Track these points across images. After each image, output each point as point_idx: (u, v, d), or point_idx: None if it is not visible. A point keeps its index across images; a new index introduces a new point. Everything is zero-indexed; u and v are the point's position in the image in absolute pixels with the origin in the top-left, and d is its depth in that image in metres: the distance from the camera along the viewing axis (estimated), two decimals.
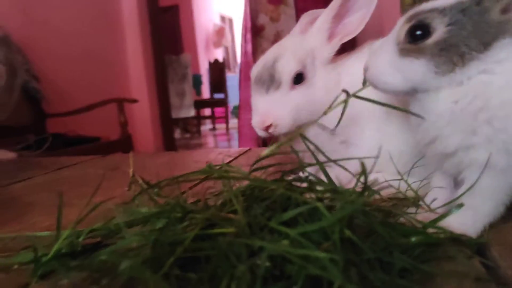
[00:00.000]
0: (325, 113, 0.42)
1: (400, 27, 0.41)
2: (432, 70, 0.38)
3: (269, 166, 0.40)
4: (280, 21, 2.33)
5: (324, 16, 0.57)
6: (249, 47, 2.37)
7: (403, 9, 2.49)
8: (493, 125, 0.36)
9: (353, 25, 0.56)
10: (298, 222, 0.31)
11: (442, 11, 0.38)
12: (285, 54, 0.55)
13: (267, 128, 0.54)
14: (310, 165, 0.37)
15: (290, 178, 0.38)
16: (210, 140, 5.84)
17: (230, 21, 8.74)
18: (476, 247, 0.36)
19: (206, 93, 6.98)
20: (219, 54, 7.82)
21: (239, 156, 0.93)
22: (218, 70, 6.48)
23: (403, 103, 0.45)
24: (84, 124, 2.80)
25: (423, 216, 0.39)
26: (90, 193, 0.42)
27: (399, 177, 0.46)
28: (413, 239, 0.32)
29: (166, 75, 4.19)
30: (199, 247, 0.30)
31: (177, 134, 5.86)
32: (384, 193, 0.45)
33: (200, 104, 6.31)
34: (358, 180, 0.35)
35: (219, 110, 6.71)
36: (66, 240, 0.36)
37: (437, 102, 0.40)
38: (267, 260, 0.27)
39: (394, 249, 0.30)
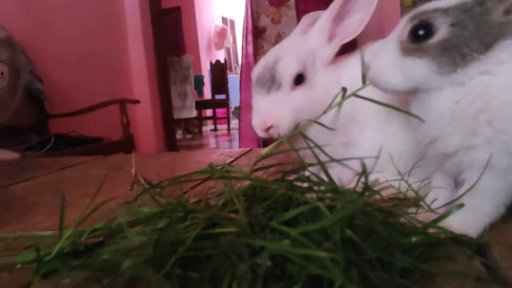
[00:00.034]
0: (325, 111, 0.42)
1: (403, 26, 0.41)
2: (434, 70, 0.38)
3: (270, 166, 0.40)
4: (282, 23, 2.34)
5: (325, 17, 0.57)
6: (250, 49, 2.38)
7: (403, 10, 2.49)
8: (493, 126, 0.36)
9: (353, 26, 0.56)
10: (299, 222, 0.31)
11: (445, 11, 0.38)
12: (285, 55, 0.56)
13: (267, 129, 0.54)
14: (311, 164, 0.37)
15: (291, 178, 0.38)
16: (211, 141, 5.84)
17: (232, 22, 8.75)
18: (476, 247, 0.36)
19: (207, 94, 6.99)
20: (220, 55, 7.82)
21: (240, 156, 0.93)
22: (219, 71, 6.48)
23: (404, 103, 0.45)
24: (86, 125, 2.80)
25: (424, 216, 0.39)
26: (93, 193, 0.42)
27: (400, 177, 0.46)
28: (414, 239, 0.33)
29: (168, 76, 4.20)
30: (201, 247, 0.30)
31: (179, 134, 5.87)
32: (385, 193, 0.45)
33: (201, 105, 6.31)
34: (359, 180, 0.35)
35: (220, 111, 6.71)
36: (69, 240, 0.37)
37: (438, 102, 0.40)
38: (268, 260, 0.27)
39: (394, 249, 0.30)
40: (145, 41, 3.73)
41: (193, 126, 6.23)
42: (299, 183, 0.37)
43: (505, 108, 0.36)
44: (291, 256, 0.26)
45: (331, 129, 0.42)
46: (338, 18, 0.57)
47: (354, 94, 0.39)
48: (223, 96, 6.36)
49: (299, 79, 0.55)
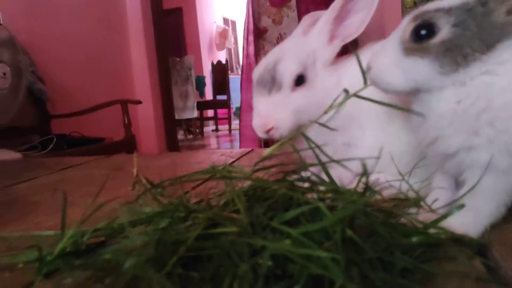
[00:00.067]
0: (325, 112, 0.42)
1: (405, 26, 0.40)
2: (436, 70, 0.38)
3: (271, 166, 0.40)
4: (283, 23, 2.34)
5: (325, 17, 0.57)
6: (251, 49, 2.38)
7: (404, 11, 2.49)
8: (495, 126, 0.36)
9: (354, 26, 0.56)
10: (300, 222, 0.31)
11: (448, 11, 0.38)
12: (286, 56, 0.56)
13: (268, 131, 0.54)
14: (312, 165, 0.37)
15: (292, 178, 0.38)
16: (212, 141, 5.85)
17: (233, 23, 8.76)
18: (477, 247, 0.36)
19: (209, 94, 6.99)
20: (222, 56, 7.83)
21: (241, 157, 0.93)
22: (221, 71, 6.49)
23: (404, 104, 0.45)
24: (88, 125, 2.81)
25: (424, 216, 0.39)
26: (94, 193, 0.42)
27: (401, 178, 0.46)
28: (414, 239, 0.33)
29: (170, 76, 4.21)
30: (202, 246, 0.30)
31: (180, 135, 5.87)
32: (386, 193, 0.45)
33: (203, 105, 6.32)
34: (359, 180, 0.35)
35: (221, 112, 6.72)
36: (71, 239, 0.37)
37: (440, 102, 0.40)
38: (269, 260, 0.27)
39: (395, 249, 0.30)
40: (146, 42, 3.73)
41: (195, 127, 6.23)
42: (300, 183, 0.37)
43: (507, 108, 0.36)
44: (292, 256, 0.26)
45: (332, 129, 0.42)
46: (339, 19, 0.57)
47: (356, 95, 0.39)
48: (224, 97, 6.36)
49: (300, 80, 0.55)
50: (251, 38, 2.39)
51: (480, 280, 0.30)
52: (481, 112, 0.37)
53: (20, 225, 0.54)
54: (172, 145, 4.03)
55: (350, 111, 0.40)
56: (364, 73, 0.41)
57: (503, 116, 0.36)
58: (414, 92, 0.41)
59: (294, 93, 0.55)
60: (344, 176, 0.54)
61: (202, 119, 6.49)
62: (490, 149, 0.37)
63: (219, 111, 6.69)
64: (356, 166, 0.46)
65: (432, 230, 0.35)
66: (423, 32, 0.39)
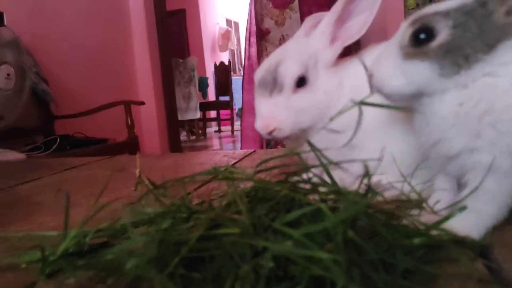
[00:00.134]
0: (331, 118, 0.42)
1: (404, 31, 0.41)
2: (437, 72, 0.38)
3: (273, 167, 0.40)
4: (285, 25, 2.34)
5: (327, 19, 0.57)
6: (253, 51, 2.39)
7: (406, 12, 2.48)
8: (497, 128, 0.36)
9: (356, 28, 0.56)
10: (301, 223, 0.31)
11: (446, 14, 0.38)
12: (287, 58, 0.56)
13: (270, 132, 0.54)
14: (314, 166, 0.37)
15: (294, 179, 0.38)
16: (215, 142, 5.85)
17: (236, 24, 8.77)
18: (479, 249, 0.36)
19: (212, 95, 7.01)
20: (225, 57, 7.84)
21: (243, 158, 0.94)
22: (223, 72, 6.50)
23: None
24: (91, 126, 2.82)
25: (426, 218, 0.39)
26: (97, 194, 0.43)
27: (403, 179, 0.46)
28: (416, 240, 0.32)
29: (173, 78, 4.22)
30: (204, 247, 0.30)
31: (183, 136, 5.89)
32: (387, 195, 0.45)
33: (205, 106, 6.33)
34: (361, 182, 0.35)
35: (224, 113, 6.73)
36: (73, 240, 0.37)
37: (442, 105, 0.40)
38: (270, 261, 0.27)
39: (397, 250, 0.30)
40: (150, 43, 3.75)
41: (197, 128, 6.25)
42: (302, 185, 0.37)
43: (509, 110, 0.36)
44: (294, 257, 0.26)
45: (337, 132, 0.42)
46: (341, 20, 0.57)
47: (362, 103, 0.39)
48: (227, 98, 6.38)
49: (301, 82, 0.55)
50: (253, 39, 2.40)
51: (482, 281, 0.30)
52: (483, 114, 0.37)
53: (23, 225, 0.54)
54: (175, 146, 4.04)
55: (353, 113, 0.40)
56: (370, 82, 0.41)
57: (505, 118, 0.36)
58: (417, 96, 0.41)
59: (295, 95, 0.55)
60: (347, 178, 0.54)
61: (204, 120, 6.50)
62: (492, 151, 0.37)
63: (222, 112, 6.71)
64: (358, 168, 0.46)
65: (434, 232, 0.35)
66: (422, 36, 0.39)
